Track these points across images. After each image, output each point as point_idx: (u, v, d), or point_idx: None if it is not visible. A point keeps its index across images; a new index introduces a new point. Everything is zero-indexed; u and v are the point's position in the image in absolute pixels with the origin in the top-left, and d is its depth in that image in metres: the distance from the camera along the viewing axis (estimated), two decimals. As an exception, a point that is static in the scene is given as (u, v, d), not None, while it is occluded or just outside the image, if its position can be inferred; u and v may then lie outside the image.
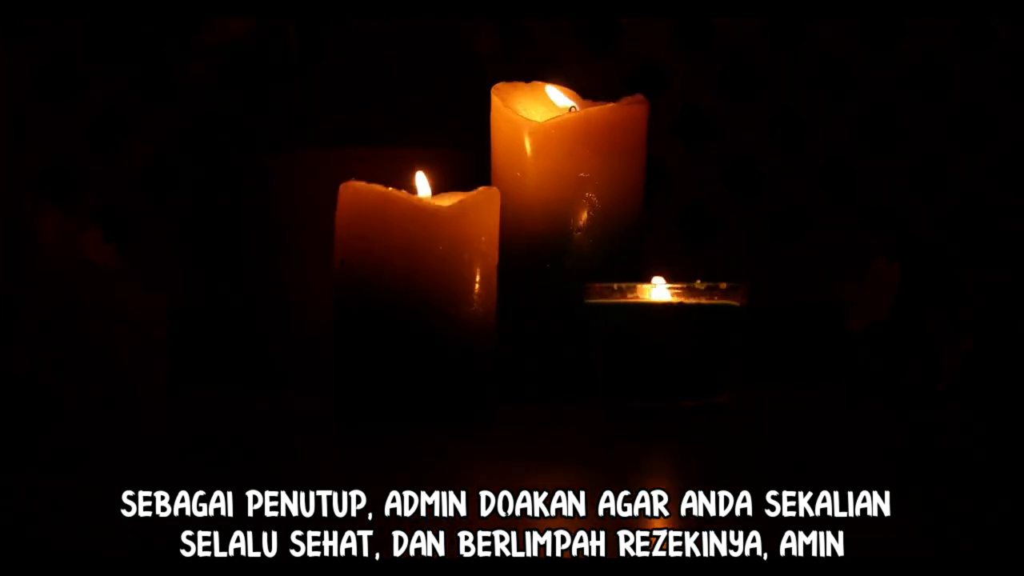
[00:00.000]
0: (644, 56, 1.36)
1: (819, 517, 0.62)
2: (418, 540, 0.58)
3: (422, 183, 0.96)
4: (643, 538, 0.58)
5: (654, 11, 1.34)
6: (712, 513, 0.64)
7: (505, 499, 0.67)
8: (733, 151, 1.37)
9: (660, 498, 0.68)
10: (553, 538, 0.59)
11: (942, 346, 1.07)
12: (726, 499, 0.67)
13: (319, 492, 0.69)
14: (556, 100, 1.08)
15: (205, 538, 0.57)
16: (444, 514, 0.63)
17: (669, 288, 0.94)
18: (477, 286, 0.92)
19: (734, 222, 1.37)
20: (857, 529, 0.59)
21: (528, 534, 0.59)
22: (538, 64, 1.33)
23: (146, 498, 0.67)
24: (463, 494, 0.69)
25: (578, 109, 1.07)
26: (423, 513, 0.63)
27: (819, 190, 1.37)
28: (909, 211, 1.37)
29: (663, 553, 0.56)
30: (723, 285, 0.93)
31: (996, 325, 1.10)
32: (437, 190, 0.96)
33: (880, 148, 1.37)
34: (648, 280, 0.95)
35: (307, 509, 0.64)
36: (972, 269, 1.31)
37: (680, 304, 0.93)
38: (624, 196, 1.05)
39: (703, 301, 0.93)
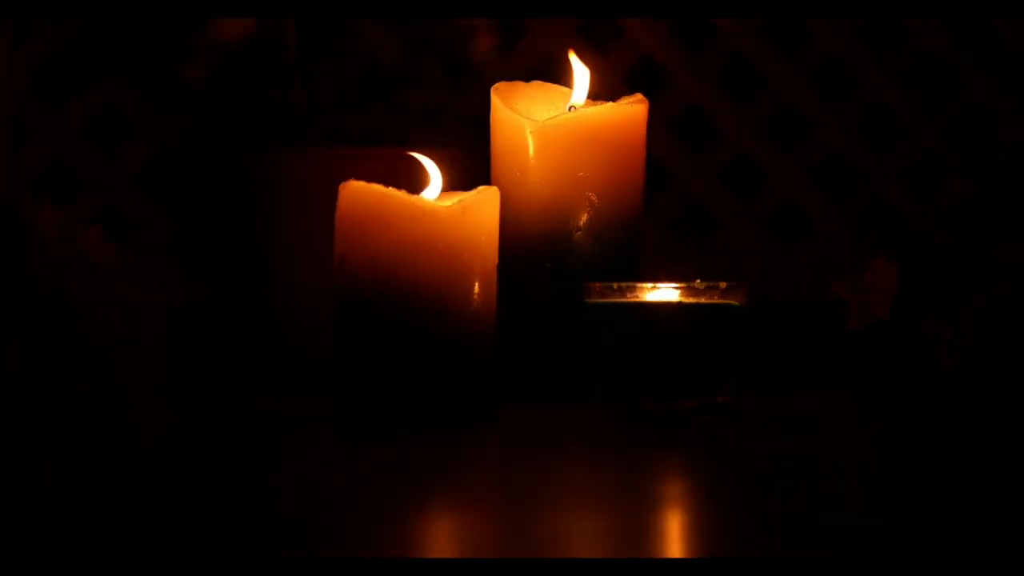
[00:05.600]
0: (644, 56, 1.37)
1: (819, 517, 0.62)
2: (418, 540, 0.58)
3: (432, 170, 0.95)
4: (644, 537, 0.58)
5: (654, 11, 1.34)
6: (712, 512, 0.64)
7: (505, 499, 0.67)
8: (733, 151, 1.37)
9: (660, 498, 0.68)
10: (554, 538, 0.59)
11: (942, 346, 1.07)
12: (726, 499, 0.67)
13: (318, 492, 0.69)
14: (576, 69, 1.06)
15: (204, 538, 0.57)
16: (444, 514, 0.63)
17: (668, 287, 0.94)
18: (477, 286, 0.92)
19: (734, 222, 1.37)
20: (857, 529, 0.59)
21: (528, 534, 0.59)
22: (538, 64, 1.33)
23: (145, 498, 0.67)
24: (463, 494, 0.69)
25: (578, 108, 1.07)
26: (423, 513, 0.63)
27: (819, 190, 1.37)
28: (909, 211, 1.37)
29: (663, 554, 0.56)
30: (723, 285, 0.93)
31: (996, 325, 1.10)
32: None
33: (880, 148, 1.37)
34: (648, 279, 0.95)
35: (306, 509, 0.64)
36: (972, 269, 1.32)
37: (680, 304, 0.93)
38: (624, 196, 1.05)
39: (703, 301, 0.93)
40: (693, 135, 1.37)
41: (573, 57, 1.07)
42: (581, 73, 1.07)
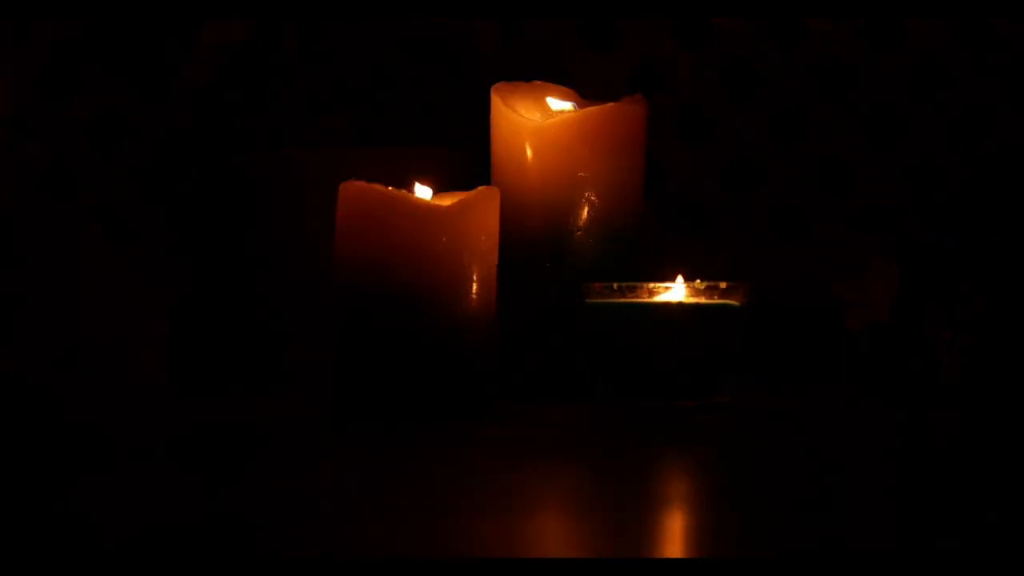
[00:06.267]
0: (644, 56, 1.36)
1: (818, 517, 0.62)
2: (418, 539, 0.58)
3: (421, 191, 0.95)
4: (643, 537, 0.58)
5: (654, 11, 1.34)
6: (712, 512, 0.64)
7: (505, 499, 0.67)
8: (733, 151, 1.37)
9: (659, 498, 0.68)
10: (553, 538, 0.59)
11: (942, 346, 1.07)
12: (725, 499, 0.67)
13: (318, 492, 0.69)
14: (554, 107, 1.07)
15: (204, 537, 0.57)
16: (444, 514, 0.63)
17: (666, 287, 0.94)
18: (477, 286, 0.92)
19: (734, 222, 1.37)
20: (857, 529, 0.59)
21: (528, 534, 0.59)
22: (538, 64, 1.33)
23: (145, 497, 0.67)
24: (463, 494, 0.69)
25: (578, 109, 1.07)
26: (423, 513, 0.63)
27: (819, 190, 1.37)
28: (909, 211, 1.37)
29: (663, 554, 0.56)
30: (723, 285, 0.93)
31: (996, 325, 1.10)
32: (437, 190, 0.96)
33: (880, 148, 1.37)
34: (649, 279, 0.95)
35: (306, 509, 0.64)
36: (972, 269, 1.31)
37: (680, 304, 0.93)
38: (624, 195, 1.05)
39: (703, 301, 0.93)
40: (693, 135, 1.37)
41: (551, 100, 1.07)
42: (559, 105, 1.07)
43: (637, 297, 0.94)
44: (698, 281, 0.93)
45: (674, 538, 0.59)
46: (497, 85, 1.07)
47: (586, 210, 1.04)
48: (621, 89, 1.09)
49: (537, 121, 1.04)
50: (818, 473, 0.75)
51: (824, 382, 1.19)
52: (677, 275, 0.95)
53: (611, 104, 1.05)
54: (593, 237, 1.04)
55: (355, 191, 0.92)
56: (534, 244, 1.04)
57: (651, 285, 0.94)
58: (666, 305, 0.93)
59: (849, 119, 1.37)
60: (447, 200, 0.94)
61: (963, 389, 1.07)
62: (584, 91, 1.09)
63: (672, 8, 1.34)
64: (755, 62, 1.37)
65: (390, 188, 0.92)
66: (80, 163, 1.32)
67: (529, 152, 1.04)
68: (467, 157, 1.18)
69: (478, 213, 0.93)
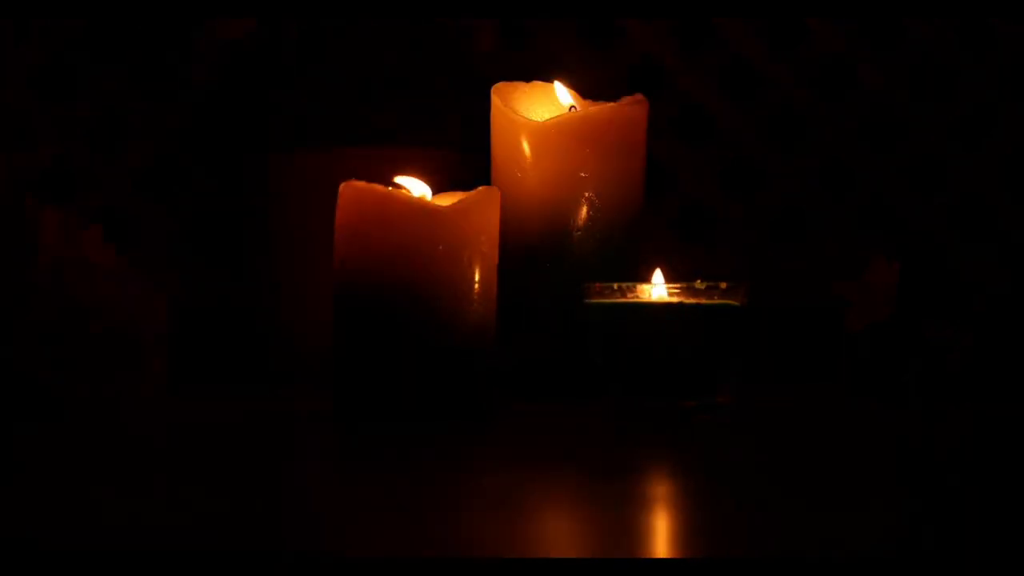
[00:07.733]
0: (644, 56, 1.37)
1: (818, 517, 0.62)
2: (418, 540, 0.58)
3: (413, 186, 0.95)
4: (642, 537, 0.58)
5: (654, 11, 1.34)
6: (710, 513, 0.64)
7: (505, 499, 0.67)
8: (733, 151, 1.37)
9: (659, 498, 0.68)
10: (552, 538, 0.59)
11: (942, 346, 1.07)
12: (725, 499, 0.67)
13: (318, 492, 0.69)
14: (561, 97, 1.08)
15: (203, 537, 0.57)
16: (444, 514, 0.63)
17: (668, 287, 0.94)
18: (477, 286, 0.92)
19: (734, 222, 1.37)
20: (857, 529, 0.59)
21: (528, 534, 0.59)
22: (538, 64, 1.33)
23: (146, 498, 0.67)
24: (462, 494, 0.69)
25: (578, 109, 1.07)
26: (423, 513, 0.63)
27: (819, 190, 1.37)
28: (909, 211, 1.37)
29: (663, 554, 0.56)
30: (723, 285, 0.93)
31: (996, 325, 1.10)
32: (437, 190, 0.96)
33: (880, 148, 1.37)
34: (648, 278, 0.95)
35: (306, 508, 0.64)
36: (972, 269, 1.31)
37: (680, 304, 0.93)
38: (624, 196, 1.05)
39: (703, 301, 0.93)
40: (693, 135, 1.37)
41: (558, 86, 1.08)
42: (564, 94, 1.07)
43: (637, 297, 0.94)
44: (698, 281, 0.93)
45: (673, 538, 0.59)
46: (497, 85, 1.07)
47: (586, 210, 1.04)
48: (621, 89, 1.09)
49: (537, 121, 1.04)
50: (817, 473, 0.75)
51: (824, 382, 1.19)
52: (672, 277, 0.95)
53: (611, 104, 1.05)
54: (593, 237, 1.04)
55: (355, 191, 0.92)
56: (534, 244, 1.04)
57: (651, 285, 0.94)
58: (666, 305, 0.93)
59: (849, 119, 1.37)
60: (447, 200, 0.94)
61: (963, 389, 1.07)
62: (584, 91, 1.09)
63: (672, 8, 1.34)
64: (755, 62, 1.37)
65: (390, 188, 0.92)
66: (80, 163, 1.32)
67: (529, 152, 1.04)
68: (467, 157, 1.18)
69: (478, 213, 0.93)
